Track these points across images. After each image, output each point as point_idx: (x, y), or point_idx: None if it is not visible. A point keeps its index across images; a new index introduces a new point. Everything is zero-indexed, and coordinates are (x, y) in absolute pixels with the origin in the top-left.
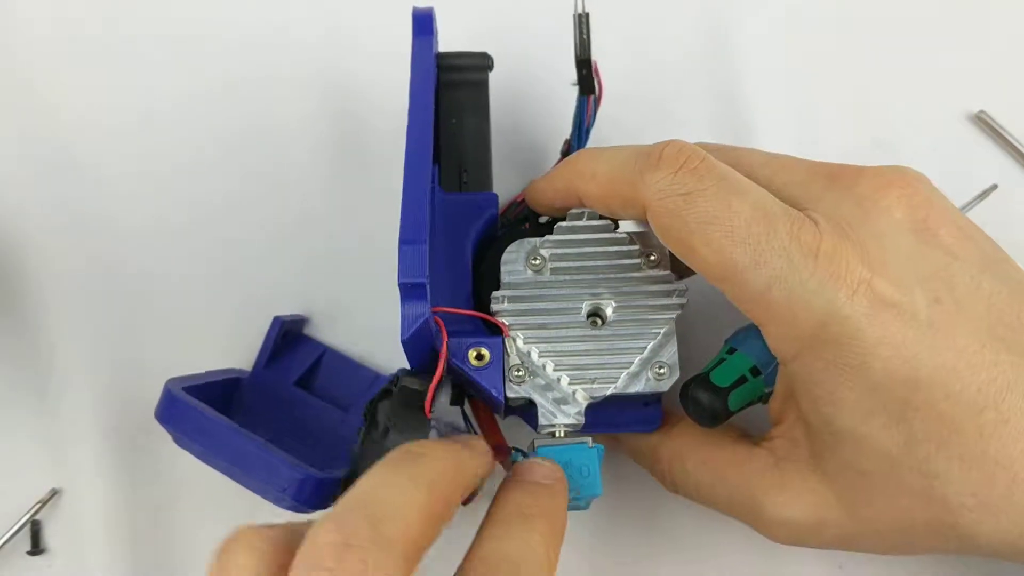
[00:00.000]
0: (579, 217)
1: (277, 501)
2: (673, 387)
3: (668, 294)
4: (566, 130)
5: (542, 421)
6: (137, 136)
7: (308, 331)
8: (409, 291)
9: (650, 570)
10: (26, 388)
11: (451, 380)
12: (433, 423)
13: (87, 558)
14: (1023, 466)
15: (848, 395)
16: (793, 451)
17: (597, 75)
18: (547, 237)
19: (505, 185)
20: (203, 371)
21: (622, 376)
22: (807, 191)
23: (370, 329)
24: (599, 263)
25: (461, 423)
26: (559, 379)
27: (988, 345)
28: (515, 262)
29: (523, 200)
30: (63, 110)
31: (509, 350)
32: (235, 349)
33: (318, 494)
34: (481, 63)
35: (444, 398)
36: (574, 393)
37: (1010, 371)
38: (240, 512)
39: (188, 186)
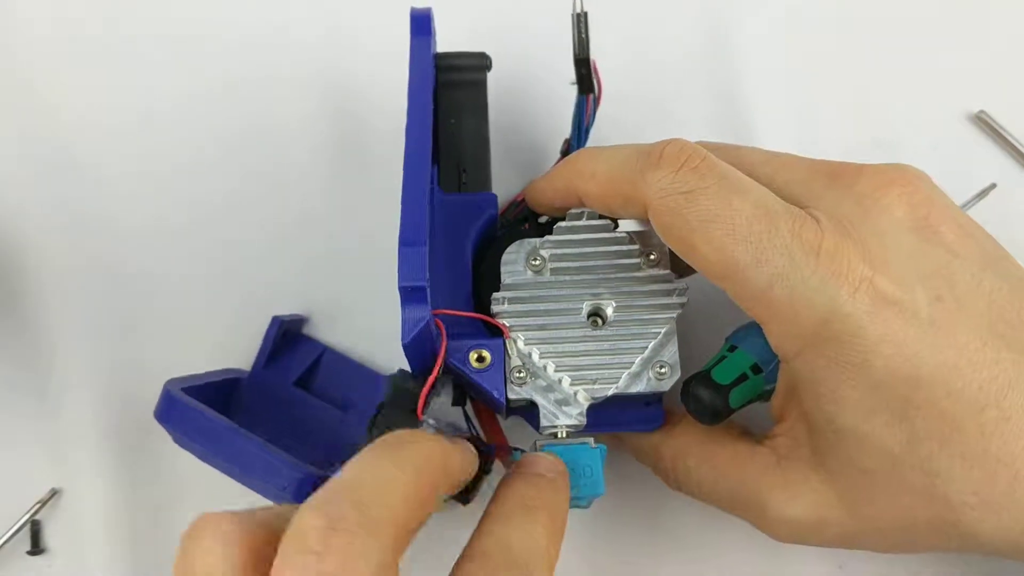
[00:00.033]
0: (579, 217)
1: (277, 500)
2: (674, 386)
3: (668, 293)
4: (565, 130)
5: (544, 422)
6: (137, 136)
7: (307, 331)
8: (409, 295)
9: (652, 569)
10: (26, 388)
11: (452, 381)
12: (432, 424)
13: (87, 558)
14: None
15: (850, 393)
16: (795, 449)
17: (596, 74)
18: (547, 237)
19: (504, 185)
20: (203, 371)
21: (623, 376)
22: (808, 189)
23: (370, 329)
24: (599, 263)
25: (463, 423)
26: (560, 380)
27: (989, 343)
28: (515, 263)
29: (522, 200)
30: (63, 110)
31: (510, 351)
32: (235, 349)
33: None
34: (479, 63)
35: (446, 398)
36: (575, 394)
37: (1011, 369)
38: None
39: (188, 186)
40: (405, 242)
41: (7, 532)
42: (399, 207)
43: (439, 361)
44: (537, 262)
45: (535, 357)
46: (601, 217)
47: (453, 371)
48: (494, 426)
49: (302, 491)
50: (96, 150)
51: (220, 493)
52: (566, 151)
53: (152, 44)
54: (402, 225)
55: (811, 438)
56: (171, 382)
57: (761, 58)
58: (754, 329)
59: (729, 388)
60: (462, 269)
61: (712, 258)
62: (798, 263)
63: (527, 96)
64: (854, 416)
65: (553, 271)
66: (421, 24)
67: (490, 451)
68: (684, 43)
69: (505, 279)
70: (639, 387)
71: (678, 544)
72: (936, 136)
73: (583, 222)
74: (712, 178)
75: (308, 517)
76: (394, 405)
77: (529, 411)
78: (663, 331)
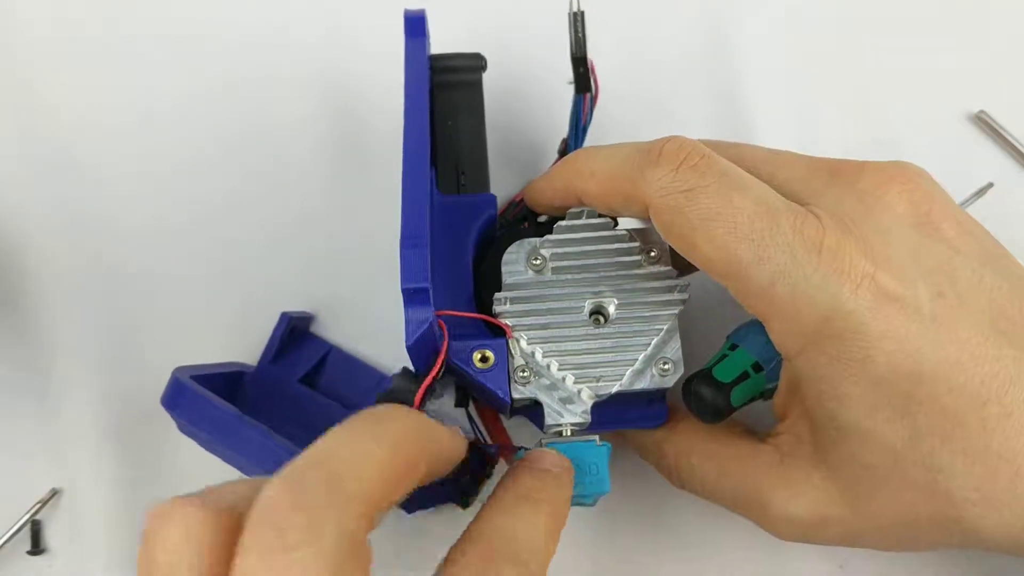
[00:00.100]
0: (578, 216)
1: None
2: (677, 383)
3: (670, 290)
4: (563, 129)
5: (548, 421)
6: (137, 136)
7: (313, 329)
8: (412, 296)
9: (653, 568)
10: (26, 389)
11: (455, 383)
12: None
13: (87, 558)
14: None
15: (852, 389)
16: (797, 447)
17: (593, 73)
18: (547, 237)
19: (503, 186)
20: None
21: (627, 373)
22: (809, 187)
23: (371, 328)
24: (600, 261)
25: (466, 425)
26: (564, 378)
27: (990, 339)
28: (516, 263)
29: (521, 200)
30: (63, 110)
31: (513, 351)
32: (236, 350)
33: None
34: (474, 64)
35: (448, 400)
36: (579, 392)
37: (1012, 365)
38: None
39: (188, 186)
40: (406, 244)
41: (7, 532)
42: (399, 208)
43: (439, 361)
44: (538, 261)
45: (538, 356)
46: (601, 216)
47: (456, 372)
48: (497, 426)
49: None
50: (96, 150)
51: None
52: (564, 151)
53: (152, 44)
54: (403, 227)
55: (813, 436)
56: (179, 370)
57: (761, 58)
58: (755, 327)
59: (730, 386)
60: (463, 270)
61: (714, 256)
62: (800, 260)
63: (525, 96)
64: (856, 413)
65: (554, 270)
66: (415, 26)
67: (493, 452)
68: (683, 43)
69: (506, 279)
70: (643, 384)
71: (679, 543)
72: (936, 136)
73: (583, 221)
74: (712, 176)
75: (272, 492)
76: (389, 401)
77: (533, 410)
78: (665, 328)
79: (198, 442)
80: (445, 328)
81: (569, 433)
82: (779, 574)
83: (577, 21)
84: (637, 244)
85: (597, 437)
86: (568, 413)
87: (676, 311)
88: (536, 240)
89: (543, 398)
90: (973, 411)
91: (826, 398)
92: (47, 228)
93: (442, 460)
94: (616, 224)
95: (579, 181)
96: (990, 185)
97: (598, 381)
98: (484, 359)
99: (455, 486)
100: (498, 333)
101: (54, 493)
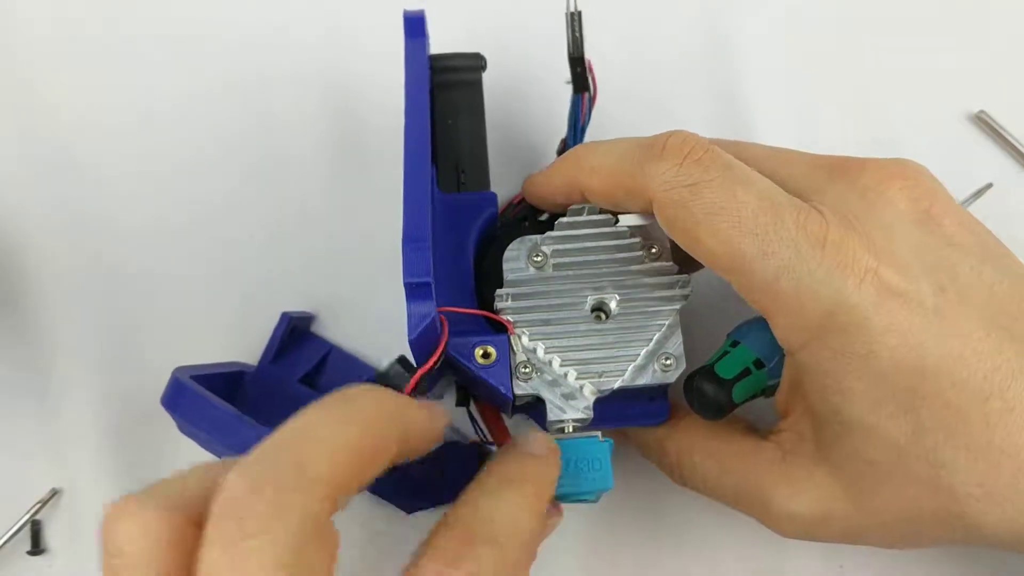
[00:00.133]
0: (579, 212)
1: None
2: (679, 379)
3: (671, 285)
4: (563, 129)
5: (551, 417)
6: (137, 136)
7: (314, 329)
8: (414, 290)
9: (651, 567)
10: (26, 389)
11: (456, 382)
12: None
13: (87, 558)
14: None
15: (856, 384)
16: (800, 444)
17: (591, 73)
18: (548, 234)
19: (502, 186)
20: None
21: (629, 369)
22: (811, 183)
23: (375, 328)
24: (601, 257)
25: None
26: (566, 374)
27: (992, 334)
28: (517, 260)
29: (521, 201)
30: (63, 110)
31: (515, 347)
32: (235, 349)
33: None
34: (474, 63)
35: (449, 399)
36: (582, 388)
37: (1015, 360)
38: None
39: (188, 186)
40: (409, 239)
41: (7, 532)
42: (400, 206)
43: (437, 353)
44: (539, 258)
45: (540, 352)
46: (602, 212)
47: (458, 368)
48: (499, 425)
49: None
50: (96, 150)
51: None
52: (562, 150)
53: (152, 44)
54: (405, 223)
55: (816, 432)
56: (179, 370)
57: (761, 58)
58: (756, 325)
59: (732, 383)
60: (464, 268)
61: (718, 251)
62: (804, 255)
63: (524, 96)
64: (860, 408)
65: (555, 267)
66: (414, 26)
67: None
68: (683, 43)
69: (507, 276)
70: (645, 380)
71: (678, 542)
72: (936, 136)
73: (584, 217)
74: (716, 170)
75: (233, 479)
76: (382, 384)
77: (535, 408)
78: (667, 323)
79: (198, 442)
80: (446, 323)
81: (571, 429)
82: (779, 574)
83: (574, 21)
84: (638, 240)
85: (599, 433)
86: (570, 409)
87: (678, 306)
88: (537, 237)
89: (545, 394)
90: (976, 406)
91: (829, 393)
92: (47, 228)
93: (417, 439)
94: (617, 221)
95: (581, 176)
96: (989, 185)
97: (600, 377)
98: (486, 355)
99: (454, 487)
100: (500, 330)
101: (54, 493)
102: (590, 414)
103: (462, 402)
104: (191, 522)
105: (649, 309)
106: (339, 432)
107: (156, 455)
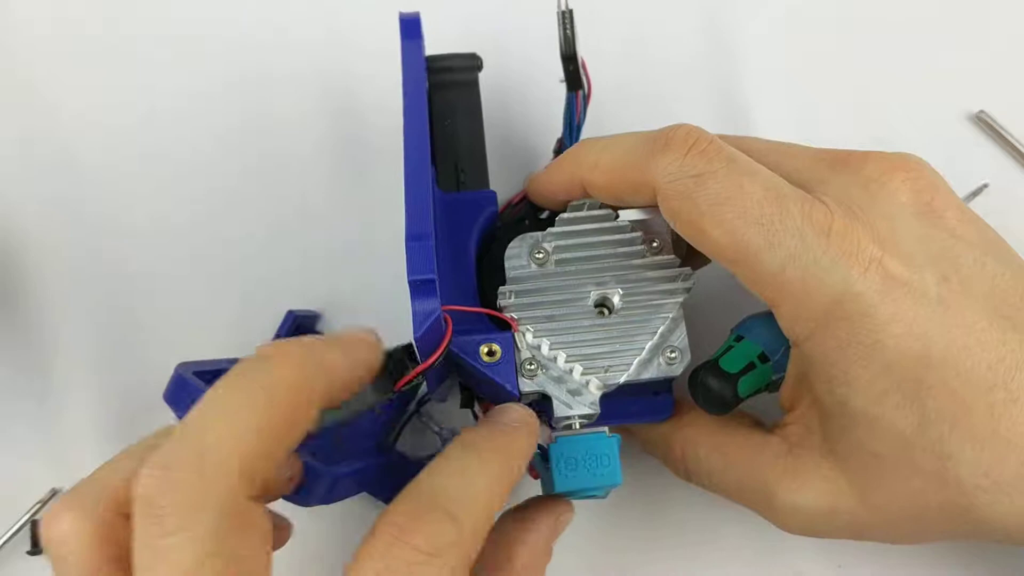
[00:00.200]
0: (580, 208)
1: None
2: (684, 372)
3: (673, 278)
4: (559, 129)
5: (558, 413)
6: (137, 136)
7: (320, 327)
8: (419, 288)
9: (651, 567)
10: (26, 389)
11: (460, 383)
12: (436, 431)
13: None
14: None
15: (862, 374)
16: (806, 437)
17: (585, 71)
18: (549, 230)
19: (500, 186)
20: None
21: (634, 363)
22: (814, 175)
23: (379, 326)
24: (603, 252)
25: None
26: (571, 370)
27: (995, 324)
28: (518, 257)
29: (520, 200)
30: (63, 110)
31: (519, 345)
32: (237, 349)
33: (315, 484)
34: (470, 63)
35: (451, 400)
36: (587, 383)
37: (1018, 350)
38: None
39: (188, 185)
40: (412, 236)
41: (7, 532)
42: (402, 205)
43: (440, 348)
44: (541, 255)
45: (545, 349)
46: (602, 207)
47: (462, 368)
48: None
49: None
50: (96, 150)
51: None
52: (559, 150)
53: (152, 44)
54: (407, 221)
55: (822, 425)
56: (182, 365)
57: (761, 58)
58: (760, 319)
59: (737, 377)
60: (466, 267)
61: (723, 242)
62: (810, 244)
63: (521, 97)
64: (865, 398)
65: (557, 263)
66: (410, 28)
67: None
68: (683, 43)
69: (510, 273)
70: (650, 373)
71: (678, 542)
72: (936, 136)
73: (585, 212)
74: (721, 161)
75: (145, 478)
76: (384, 368)
77: (540, 405)
78: (671, 316)
79: None
80: (450, 322)
81: (578, 426)
82: (778, 574)
83: (565, 19)
84: (639, 234)
85: (607, 429)
86: (577, 405)
87: (681, 299)
88: (538, 234)
89: (551, 391)
90: (980, 396)
91: (835, 383)
92: (47, 227)
93: (345, 381)
94: (617, 216)
95: (584, 171)
96: (985, 186)
97: (605, 372)
98: (491, 353)
99: None
100: (503, 328)
101: (54, 493)
102: (597, 409)
103: (467, 404)
104: (120, 513)
105: (652, 303)
106: (242, 410)
107: None
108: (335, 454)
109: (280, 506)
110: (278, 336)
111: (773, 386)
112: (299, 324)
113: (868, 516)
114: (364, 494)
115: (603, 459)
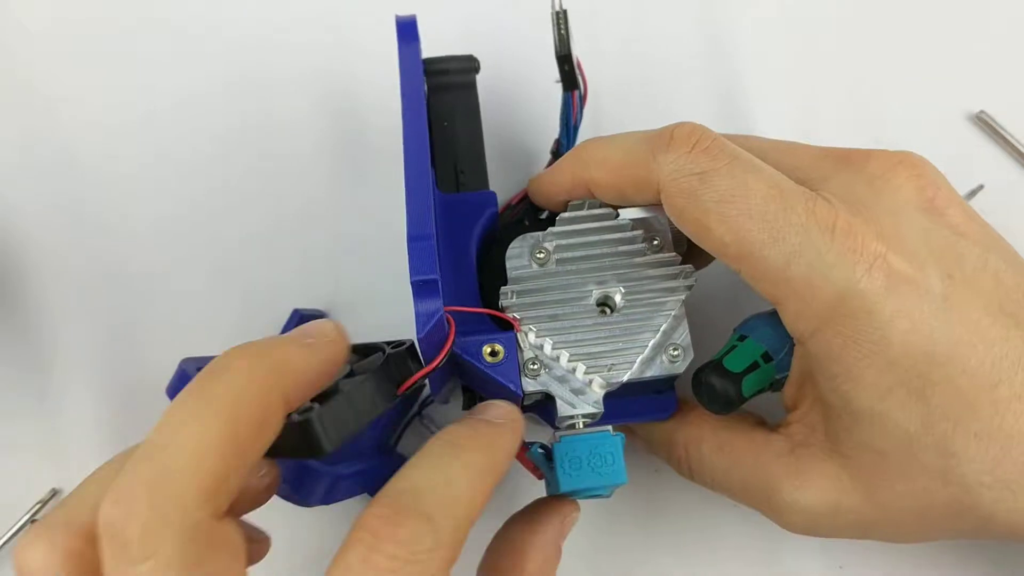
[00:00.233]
0: (580, 207)
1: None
2: (687, 370)
3: (675, 276)
4: (557, 131)
5: (562, 412)
6: (137, 136)
7: None
8: (421, 288)
9: (650, 567)
10: (26, 388)
11: (462, 386)
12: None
13: None
14: None
15: (866, 371)
16: (810, 436)
17: (580, 71)
18: (550, 229)
19: (498, 188)
20: None
21: (637, 361)
22: (817, 172)
23: (384, 328)
24: (604, 251)
25: None
26: (574, 369)
27: (999, 320)
28: (519, 257)
29: (519, 201)
30: (63, 110)
31: (522, 344)
32: None
33: (315, 485)
34: (467, 65)
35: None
36: (591, 382)
37: (1021, 346)
38: None
39: (189, 185)
40: (413, 237)
41: (7, 532)
42: (402, 204)
43: (444, 350)
44: (542, 255)
45: (547, 348)
46: (602, 206)
47: (465, 368)
48: None
49: (300, 481)
50: (96, 150)
51: None
52: (556, 151)
53: (152, 44)
54: (408, 221)
55: (826, 423)
56: (186, 360)
57: (761, 58)
58: (763, 319)
59: (741, 376)
60: (467, 268)
61: (727, 239)
62: (814, 240)
63: (519, 99)
64: (870, 396)
65: (558, 262)
66: (407, 31)
67: None
68: (683, 43)
69: (511, 273)
70: (653, 371)
71: (678, 541)
72: (936, 136)
73: (585, 212)
74: (724, 159)
75: (107, 507)
76: (383, 372)
77: (543, 406)
78: (673, 314)
79: None
80: (453, 322)
81: (582, 425)
82: (778, 574)
83: (560, 19)
84: (640, 233)
85: (611, 427)
86: (580, 404)
87: (682, 297)
88: (539, 233)
89: (555, 390)
90: (985, 392)
91: (840, 381)
92: (48, 227)
93: (310, 381)
94: (617, 215)
95: (588, 171)
96: (980, 187)
97: (609, 370)
98: (494, 353)
99: None
100: (506, 328)
101: (54, 493)
102: (600, 408)
103: (469, 405)
104: (90, 541)
105: (654, 300)
106: (202, 427)
107: None
108: (336, 455)
109: (281, 506)
110: (284, 332)
111: (776, 385)
112: (304, 322)
113: (872, 514)
114: (364, 495)
115: (607, 458)
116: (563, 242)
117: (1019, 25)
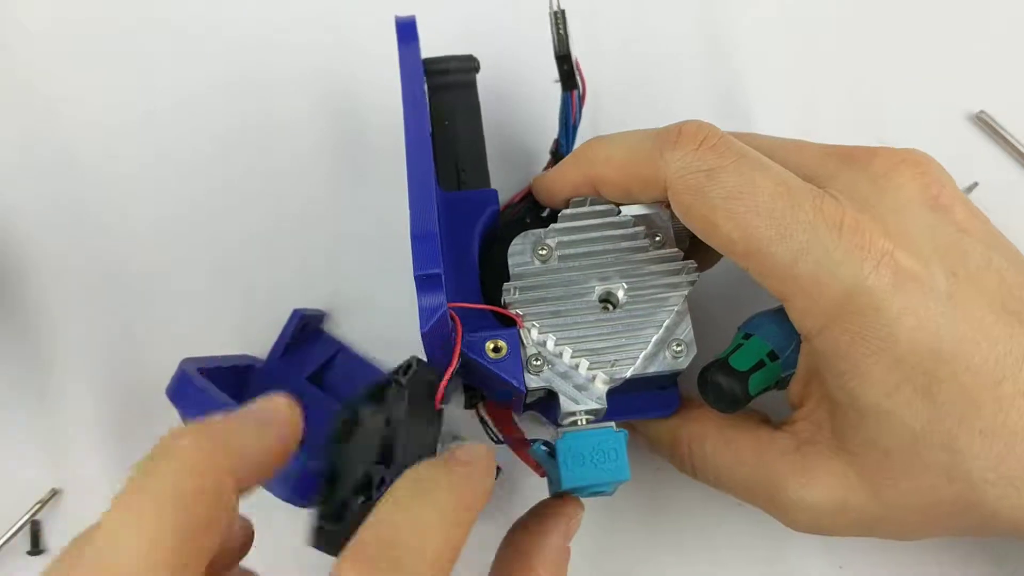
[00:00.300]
0: (582, 203)
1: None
2: (691, 365)
3: (678, 272)
4: (556, 130)
5: (565, 409)
6: (137, 136)
7: (326, 327)
8: (424, 283)
9: (651, 567)
10: (26, 388)
11: (464, 384)
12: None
13: None
14: None
15: (873, 368)
16: (816, 434)
17: (579, 70)
18: (552, 226)
19: (501, 186)
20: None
21: (640, 357)
22: (822, 170)
23: (386, 327)
24: (606, 247)
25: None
26: (577, 365)
27: (1003, 318)
28: (522, 254)
29: (519, 201)
30: (63, 110)
31: (525, 340)
32: (236, 349)
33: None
34: (467, 65)
35: (455, 404)
36: (594, 378)
37: None
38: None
39: (189, 185)
40: (416, 233)
41: (7, 532)
42: (403, 205)
43: (456, 349)
44: (544, 251)
45: (550, 344)
46: (604, 203)
47: (468, 365)
48: (509, 426)
49: (301, 482)
50: (96, 150)
51: None
52: (555, 150)
53: (152, 44)
54: (412, 218)
55: (832, 421)
56: (187, 361)
57: (761, 58)
58: (767, 317)
59: (747, 374)
60: (469, 265)
61: (735, 236)
62: (822, 237)
63: (519, 99)
64: (876, 393)
65: (561, 258)
66: (407, 31)
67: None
68: (684, 43)
69: (513, 270)
70: (656, 367)
71: (678, 541)
72: (936, 136)
73: (587, 208)
74: (731, 156)
75: None
76: (415, 398)
77: (545, 403)
78: (676, 309)
79: None
80: (458, 319)
81: (584, 421)
82: (779, 574)
83: (558, 19)
84: (642, 229)
85: (614, 424)
86: (584, 400)
87: (685, 292)
88: (541, 230)
89: (558, 386)
90: (989, 390)
91: (847, 378)
92: (48, 227)
93: (261, 464)
94: (619, 211)
95: (594, 168)
96: (975, 184)
97: (612, 366)
98: (497, 349)
99: None
100: (508, 325)
101: (54, 493)
102: (604, 404)
103: (470, 404)
104: None
105: (657, 296)
106: (141, 534)
107: None
108: None
109: (280, 506)
110: (284, 334)
111: (782, 383)
112: (305, 323)
113: (878, 512)
114: None
115: (610, 454)
116: (565, 239)
117: (1019, 25)
